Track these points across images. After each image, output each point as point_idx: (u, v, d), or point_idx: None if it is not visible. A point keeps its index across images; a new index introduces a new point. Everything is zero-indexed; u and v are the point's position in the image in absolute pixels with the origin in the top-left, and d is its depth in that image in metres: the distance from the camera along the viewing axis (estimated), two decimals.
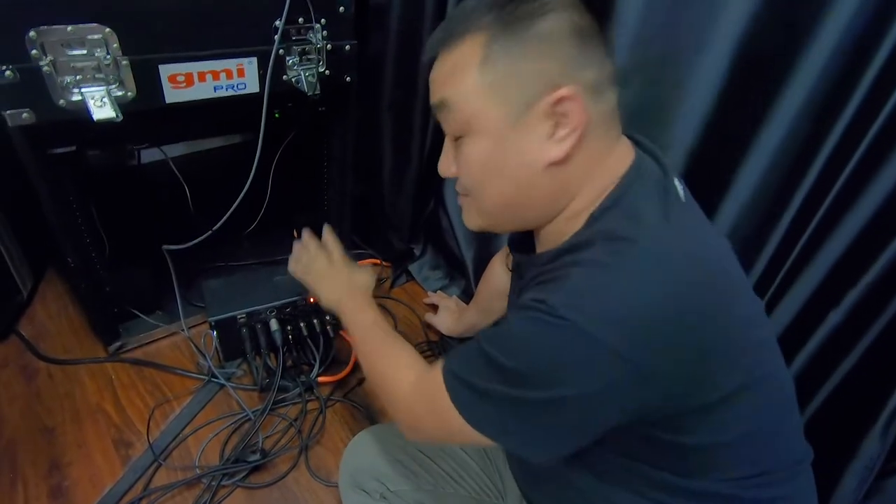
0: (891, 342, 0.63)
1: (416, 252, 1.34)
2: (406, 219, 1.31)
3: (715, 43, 0.67)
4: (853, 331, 0.66)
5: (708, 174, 0.73)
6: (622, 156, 0.50)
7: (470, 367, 0.50)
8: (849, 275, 0.66)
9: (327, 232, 0.89)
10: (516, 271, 0.64)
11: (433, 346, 1.13)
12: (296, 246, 0.88)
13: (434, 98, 0.52)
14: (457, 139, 0.52)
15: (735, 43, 0.66)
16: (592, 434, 0.47)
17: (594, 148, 0.49)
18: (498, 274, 0.95)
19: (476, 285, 1.09)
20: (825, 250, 0.68)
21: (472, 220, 0.57)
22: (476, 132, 0.49)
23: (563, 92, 0.45)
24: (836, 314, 0.67)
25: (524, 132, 0.48)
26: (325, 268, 0.83)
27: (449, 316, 1.14)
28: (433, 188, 1.24)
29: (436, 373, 0.53)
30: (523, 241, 0.62)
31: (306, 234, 0.89)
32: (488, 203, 0.53)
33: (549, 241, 0.54)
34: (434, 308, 1.20)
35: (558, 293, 0.43)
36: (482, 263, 1.08)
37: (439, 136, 1.16)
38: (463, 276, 1.21)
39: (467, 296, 1.19)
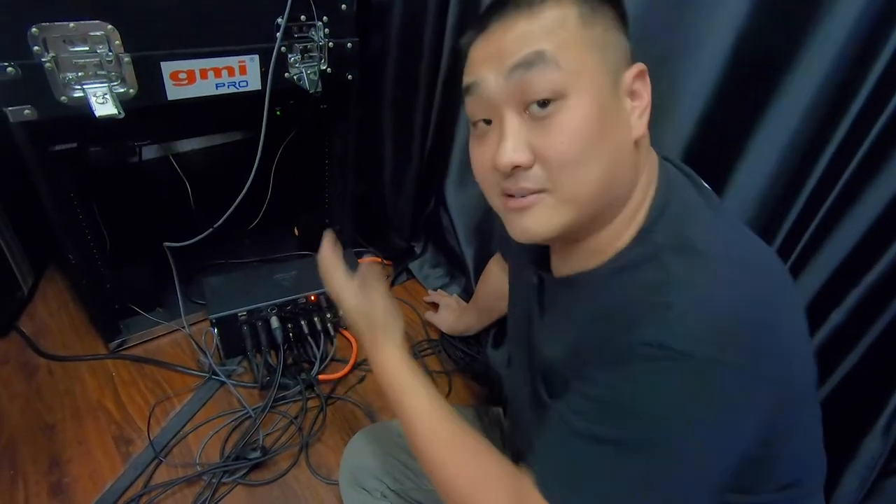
0: (892, 342, 0.63)
1: (417, 250, 1.34)
2: (407, 217, 1.31)
3: (713, 41, 0.67)
4: (854, 330, 0.66)
5: (706, 173, 0.72)
6: (655, 158, 0.50)
7: (576, 467, 0.42)
8: (851, 275, 0.66)
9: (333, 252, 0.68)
10: (539, 289, 0.56)
11: (433, 344, 1.14)
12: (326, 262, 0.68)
13: (520, 54, 0.42)
14: (543, 106, 0.42)
15: (733, 41, 0.66)
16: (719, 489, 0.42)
17: (647, 138, 0.48)
18: (496, 275, 0.95)
19: (476, 283, 1.09)
20: (827, 250, 0.67)
21: (552, 218, 0.45)
22: (580, 92, 0.42)
23: (640, 66, 0.45)
24: (837, 314, 0.67)
25: (619, 100, 0.45)
26: (353, 309, 0.64)
27: (449, 314, 1.14)
28: (434, 186, 1.23)
29: (535, 493, 0.43)
30: (536, 256, 0.57)
31: (327, 247, 0.69)
32: (587, 185, 0.43)
33: (587, 254, 0.49)
34: (434, 306, 1.20)
35: (668, 327, 0.38)
36: (482, 262, 1.08)
37: (440, 135, 1.17)
38: (463, 275, 1.21)
39: (468, 294, 1.19)
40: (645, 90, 0.46)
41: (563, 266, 0.53)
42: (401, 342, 0.61)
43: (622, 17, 0.47)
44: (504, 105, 0.44)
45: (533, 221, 0.46)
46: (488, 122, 0.47)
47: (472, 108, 0.47)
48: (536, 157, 0.44)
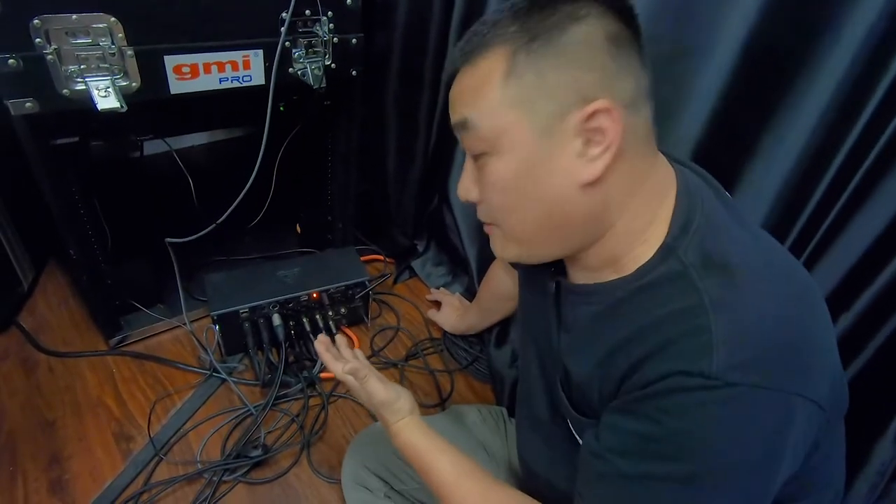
0: None
1: (420, 248, 1.33)
2: (410, 215, 1.30)
3: (724, 41, 0.66)
4: (863, 335, 0.66)
5: (716, 174, 0.72)
6: (665, 172, 0.47)
7: None
8: (862, 277, 0.65)
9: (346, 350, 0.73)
10: (556, 295, 0.55)
11: (436, 342, 1.13)
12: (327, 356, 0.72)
13: (455, 117, 0.47)
14: (477, 159, 0.47)
15: (744, 40, 0.65)
16: None
17: (633, 166, 0.44)
18: (499, 277, 0.94)
19: (479, 282, 1.08)
20: (839, 252, 0.67)
21: (504, 249, 0.51)
22: (501, 151, 0.44)
23: (597, 105, 0.41)
24: (846, 318, 0.67)
25: (554, 150, 0.43)
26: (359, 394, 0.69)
27: (452, 313, 1.13)
28: (437, 184, 1.23)
29: None
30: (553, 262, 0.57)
31: (323, 347, 0.73)
32: (518, 229, 0.48)
33: (597, 263, 0.49)
34: (437, 305, 1.19)
35: (708, 355, 0.37)
36: (485, 261, 1.07)
37: (444, 132, 1.16)
38: (466, 274, 1.20)
39: (470, 293, 1.18)
40: (611, 126, 0.41)
41: (578, 275, 0.52)
42: (409, 411, 0.65)
43: (616, 31, 0.42)
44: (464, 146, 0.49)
45: (496, 248, 0.52)
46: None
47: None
48: (481, 197, 0.49)
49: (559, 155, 0.43)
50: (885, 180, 0.62)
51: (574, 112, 0.42)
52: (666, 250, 0.44)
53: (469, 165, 0.49)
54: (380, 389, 0.66)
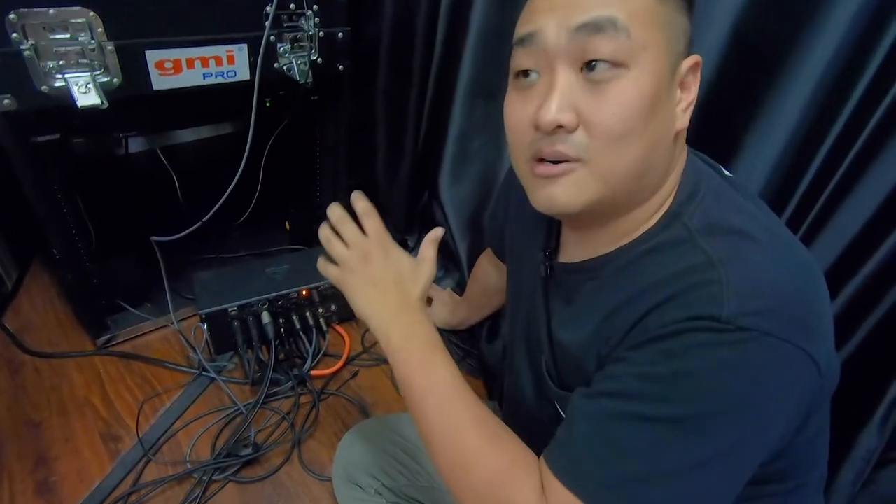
0: (888, 335, 0.63)
1: (410, 244, 1.33)
2: (400, 210, 1.30)
3: (710, 33, 0.66)
4: (850, 324, 0.66)
5: None
6: (685, 147, 0.48)
7: (615, 450, 0.39)
8: (848, 267, 0.65)
9: (366, 211, 0.58)
10: (548, 279, 0.54)
11: None
12: (323, 231, 0.59)
13: (590, 13, 0.39)
14: (595, 76, 0.40)
15: (730, 33, 0.66)
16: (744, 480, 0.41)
17: (685, 128, 0.46)
18: (487, 271, 0.94)
19: (469, 277, 1.08)
20: (825, 242, 0.67)
21: (581, 191, 0.42)
22: (642, 67, 0.40)
23: (697, 58, 0.43)
24: (834, 306, 0.67)
25: (672, 88, 0.42)
26: (358, 262, 0.56)
27: (443, 308, 1.13)
28: (427, 180, 1.22)
29: (555, 483, 0.40)
30: (545, 244, 0.56)
31: (337, 210, 0.59)
32: (624, 163, 0.41)
33: (608, 237, 0.47)
34: (428, 300, 1.19)
35: (719, 301, 0.36)
36: (476, 256, 1.07)
37: (434, 128, 1.16)
38: (457, 269, 1.20)
39: (461, 288, 1.18)
40: (695, 84, 0.44)
41: (576, 250, 0.51)
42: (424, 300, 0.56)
43: (689, 3, 0.43)
44: (560, 59, 0.41)
45: (561, 192, 0.43)
46: (532, 74, 0.43)
47: (522, 58, 0.44)
48: (582, 121, 0.41)
49: (672, 96, 0.43)
50: (870, 171, 0.62)
51: (683, 59, 0.43)
52: (671, 216, 0.44)
53: (566, 82, 0.41)
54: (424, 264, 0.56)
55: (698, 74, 0.44)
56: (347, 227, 0.57)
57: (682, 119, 0.44)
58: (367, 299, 0.54)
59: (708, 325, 0.36)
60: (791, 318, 0.37)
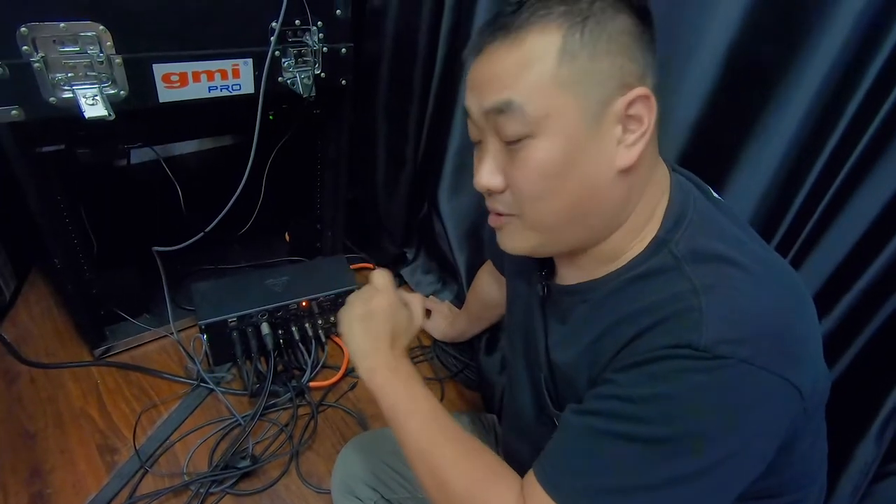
0: (884, 347, 0.64)
1: (409, 256, 1.34)
2: (399, 223, 1.30)
3: (706, 50, 0.68)
4: (846, 336, 0.67)
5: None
6: (664, 170, 0.49)
7: (597, 463, 0.41)
8: (843, 281, 0.67)
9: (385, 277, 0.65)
10: (545, 298, 0.56)
11: (426, 350, 1.13)
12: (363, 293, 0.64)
13: (490, 100, 0.44)
14: (511, 144, 0.44)
15: (726, 50, 0.67)
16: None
17: (651, 155, 0.47)
18: (486, 283, 0.94)
19: (468, 290, 1.08)
20: (821, 257, 0.68)
21: (519, 240, 0.49)
22: (547, 133, 0.43)
23: (639, 91, 0.42)
24: (829, 321, 0.68)
25: (598, 135, 0.43)
26: (360, 307, 0.62)
27: (442, 320, 1.13)
28: (426, 192, 1.23)
29: (539, 492, 0.43)
30: (541, 266, 0.57)
31: (383, 276, 0.65)
32: (549, 217, 0.46)
33: (594, 263, 0.49)
34: (427, 313, 1.19)
35: (697, 330, 0.38)
36: (475, 268, 1.07)
37: (434, 141, 1.17)
38: (455, 281, 1.21)
39: (460, 301, 1.19)
40: (647, 113, 0.43)
41: (570, 273, 0.53)
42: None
43: (642, 27, 0.44)
44: (486, 131, 0.46)
45: (506, 239, 0.50)
46: (479, 140, 0.49)
47: (469, 129, 0.49)
48: (508, 184, 0.46)
49: (602, 141, 0.43)
50: (862, 188, 0.64)
51: (617, 98, 0.43)
52: (658, 243, 0.46)
53: (492, 152, 0.46)
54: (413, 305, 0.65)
55: (650, 104, 0.43)
56: (367, 290, 0.64)
57: (627, 155, 0.43)
58: (361, 342, 0.60)
59: (687, 352, 0.38)
60: (771, 344, 0.38)
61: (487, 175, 0.47)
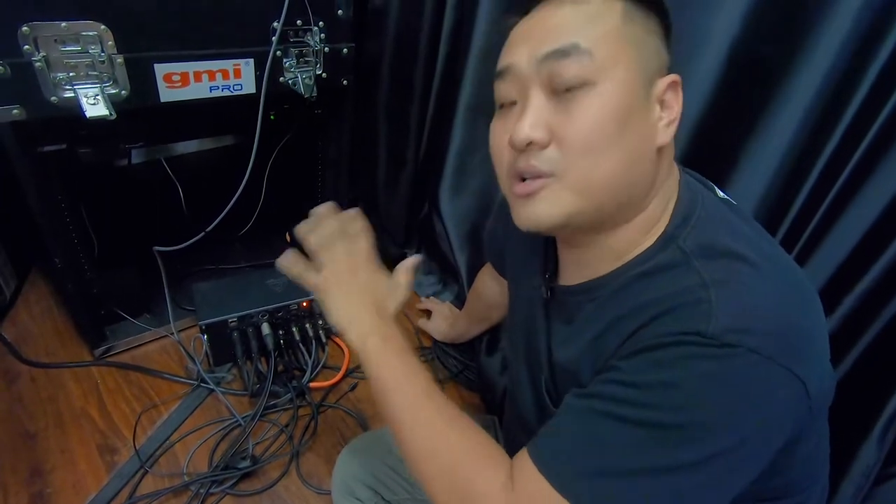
0: (886, 348, 0.64)
1: (410, 257, 1.33)
2: (400, 223, 1.30)
3: (708, 50, 0.68)
4: (848, 337, 0.67)
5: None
6: (675, 169, 0.49)
7: (594, 445, 0.40)
8: (845, 282, 0.66)
9: (356, 215, 0.61)
10: (548, 300, 0.56)
11: (427, 351, 1.13)
12: (302, 229, 0.60)
13: (553, 44, 0.42)
14: (567, 92, 0.42)
15: (728, 50, 0.67)
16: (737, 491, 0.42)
17: (672, 147, 0.47)
18: (487, 285, 0.94)
19: (469, 291, 1.08)
20: (823, 257, 0.68)
21: (556, 205, 0.44)
22: (610, 82, 0.42)
23: (675, 77, 0.45)
24: (831, 321, 0.68)
25: (647, 104, 0.44)
26: (344, 272, 0.57)
27: (442, 321, 1.13)
28: (428, 193, 1.23)
29: (530, 470, 0.42)
30: (544, 267, 0.57)
31: (327, 207, 0.61)
32: (598, 174, 0.43)
33: (601, 259, 0.49)
34: (427, 313, 1.19)
35: (706, 319, 0.37)
36: (475, 269, 1.07)
37: (435, 142, 1.17)
38: (456, 282, 1.21)
39: (460, 301, 1.19)
40: (676, 102, 0.45)
41: (575, 273, 0.52)
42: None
43: (666, 29, 0.46)
44: (532, 84, 0.44)
45: (540, 208, 0.45)
46: (513, 104, 0.47)
47: (502, 90, 0.47)
48: (553, 138, 0.43)
49: (649, 112, 0.44)
50: (865, 187, 0.63)
51: (658, 79, 0.45)
52: (666, 239, 0.45)
53: (538, 102, 0.44)
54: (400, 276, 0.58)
55: (679, 93, 0.45)
56: (340, 241, 0.59)
57: (665, 134, 0.45)
58: (350, 307, 0.56)
59: (695, 339, 0.37)
60: (779, 339, 0.38)
61: (531, 126, 0.43)
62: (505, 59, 0.46)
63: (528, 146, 0.43)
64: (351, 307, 0.56)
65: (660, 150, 0.45)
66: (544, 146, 0.43)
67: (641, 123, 0.44)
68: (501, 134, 0.47)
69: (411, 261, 0.61)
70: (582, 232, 0.48)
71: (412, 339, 1.16)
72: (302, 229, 0.59)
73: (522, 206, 0.46)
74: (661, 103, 0.45)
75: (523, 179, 0.45)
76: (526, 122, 0.43)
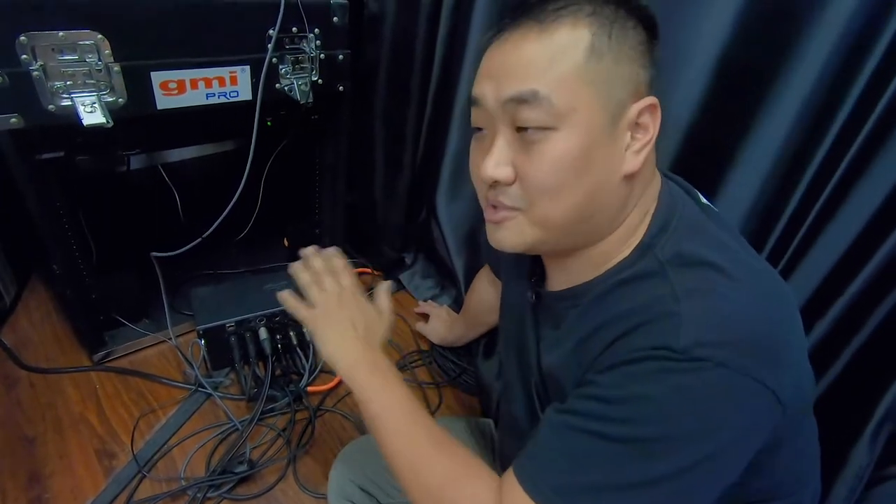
0: (877, 350, 0.64)
1: (407, 261, 1.34)
2: (397, 228, 1.31)
3: (698, 55, 0.68)
4: (839, 341, 0.67)
5: (693, 186, 0.73)
6: (658, 179, 0.50)
7: (574, 462, 0.42)
8: (835, 285, 0.67)
9: (335, 253, 0.67)
10: (536, 304, 0.57)
11: (424, 355, 1.13)
12: (303, 275, 0.64)
13: (515, 88, 0.43)
14: (526, 136, 0.44)
15: (718, 55, 0.67)
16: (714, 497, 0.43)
17: (650, 164, 0.48)
18: (484, 288, 0.95)
19: (466, 294, 1.09)
20: (813, 261, 0.68)
21: (519, 236, 0.47)
22: (570, 127, 0.43)
23: (649, 100, 0.44)
24: (822, 325, 0.68)
25: (613, 137, 0.44)
26: (334, 306, 0.61)
27: (440, 325, 1.14)
28: (425, 197, 1.24)
29: (516, 489, 0.43)
30: (532, 272, 0.58)
31: (311, 251, 0.67)
32: (557, 213, 0.45)
33: (584, 267, 0.50)
34: (425, 317, 1.20)
35: (676, 333, 0.38)
36: (473, 273, 1.08)
37: (432, 146, 1.18)
38: (454, 286, 1.21)
39: (458, 305, 1.19)
40: (653, 123, 0.45)
41: (561, 278, 0.53)
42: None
43: (650, 41, 0.45)
44: (498, 122, 0.46)
45: (504, 235, 0.49)
46: (483, 130, 0.49)
47: (474, 116, 0.49)
48: (518, 176, 0.46)
49: (614, 144, 0.44)
50: (854, 194, 0.64)
51: (631, 104, 0.44)
52: (643, 248, 0.46)
53: (503, 141, 0.45)
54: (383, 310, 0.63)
55: (657, 114, 0.45)
56: (328, 278, 0.63)
57: (633, 161, 0.45)
58: (337, 339, 0.60)
59: (665, 353, 0.38)
60: (750, 350, 0.39)
61: (495, 166, 0.45)
62: (476, 89, 0.47)
63: (495, 183, 0.46)
64: (338, 339, 0.59)
65: (629, 176, 0.45)
66: (509, 184, 0.46)
67: (605, 158, 0.44)
68: (477, 159, 0.49)
69: (386, 284, 0.66)
70: (554, 252, 0.51)
71: (410, 343, 1.16)
72: (294, 268, 0.65)
73: (492, 231, 0.50)
74: (634, 127, 0.45)
75: (495, 206, 0.48)
76: (491, 161, 0.46)
